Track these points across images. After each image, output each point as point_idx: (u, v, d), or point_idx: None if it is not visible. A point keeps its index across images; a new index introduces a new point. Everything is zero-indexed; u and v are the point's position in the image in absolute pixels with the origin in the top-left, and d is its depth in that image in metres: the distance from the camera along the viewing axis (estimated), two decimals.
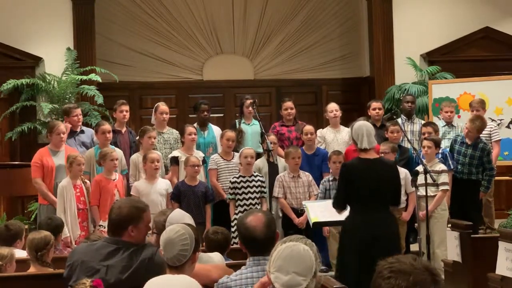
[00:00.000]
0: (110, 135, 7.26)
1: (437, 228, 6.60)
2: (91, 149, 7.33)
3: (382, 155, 6.93)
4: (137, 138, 7.58)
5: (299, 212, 7.03)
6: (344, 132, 7.95)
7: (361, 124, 5.39)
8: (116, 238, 3.52)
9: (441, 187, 6.82)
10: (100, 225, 6.55)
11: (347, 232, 5.23)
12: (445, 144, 7.74)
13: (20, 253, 5.07)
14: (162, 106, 7.93)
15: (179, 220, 3.63)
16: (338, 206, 5.32)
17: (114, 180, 6.81)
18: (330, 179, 7.07)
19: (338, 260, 5.33)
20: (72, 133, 7.64)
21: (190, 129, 7.45)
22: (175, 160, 7.36)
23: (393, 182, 5.28)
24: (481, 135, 7.65)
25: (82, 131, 7.78)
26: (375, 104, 8.28)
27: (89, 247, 3.58)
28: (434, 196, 6.77)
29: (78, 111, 7.80)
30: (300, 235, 2.88)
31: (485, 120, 7.59)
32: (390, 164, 5.55)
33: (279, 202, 7.09)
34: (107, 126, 7.30)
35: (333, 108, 8.14)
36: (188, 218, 3.76)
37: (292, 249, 2.71)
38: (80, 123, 7.81)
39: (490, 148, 7.44)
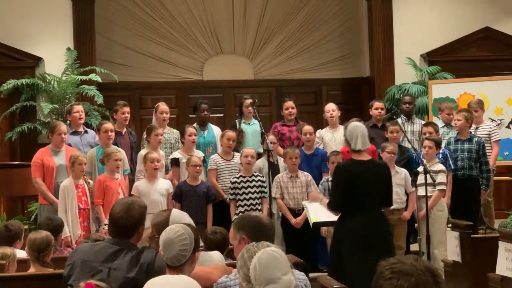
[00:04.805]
0: (112, 134, 7.24)
1: (435, 229, 6.59)
2: (93, 149, 7.31)
3: (393, 155, 6.90)
4: (144, 136, 7.58)
5: (296, 212, 7.03)
6: (342, 132, 7.91)
7: (356, 125, 5.32)
8: (118, 239, 3.51)
9: (438, 187, 6.81)
10: (105, 224, 6.54)
11: (342, 232, 5.19)
12: (442, 144, 7.74)
13: (20, 253, 5.07)
14: (162, 106, 7.93)
15: (179, 221, 3.63)
16: (335, 208, 5.27)
17: (117, 179, 6.81)
18: (329, 179, 7.05)
19: (333, 260, 5.25)
20: (77, 133, 7.64)
21: (190, 130, 7.45)
22: (175, 162, 7.35)
23: (386, 183, 5.30)
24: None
25: (86, 131, 7.78)
26: (377, 104, 8.26)
27: (92, 247, 3.56)
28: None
29: (80, 107, 7.77)
30: (254, 242, 2.92)
31: (471, 112, 7.62)
32: (383, 165, 5.54)
33: (276, 202, 7.08)
34: (109, 125, 7.30)
35: (329, 109, 8.12)
36: (187, 219, 3.75)
37: (266, 258, 2.70)
38: (82, 121, 7.78)
39: (484, 142, 7.48)
